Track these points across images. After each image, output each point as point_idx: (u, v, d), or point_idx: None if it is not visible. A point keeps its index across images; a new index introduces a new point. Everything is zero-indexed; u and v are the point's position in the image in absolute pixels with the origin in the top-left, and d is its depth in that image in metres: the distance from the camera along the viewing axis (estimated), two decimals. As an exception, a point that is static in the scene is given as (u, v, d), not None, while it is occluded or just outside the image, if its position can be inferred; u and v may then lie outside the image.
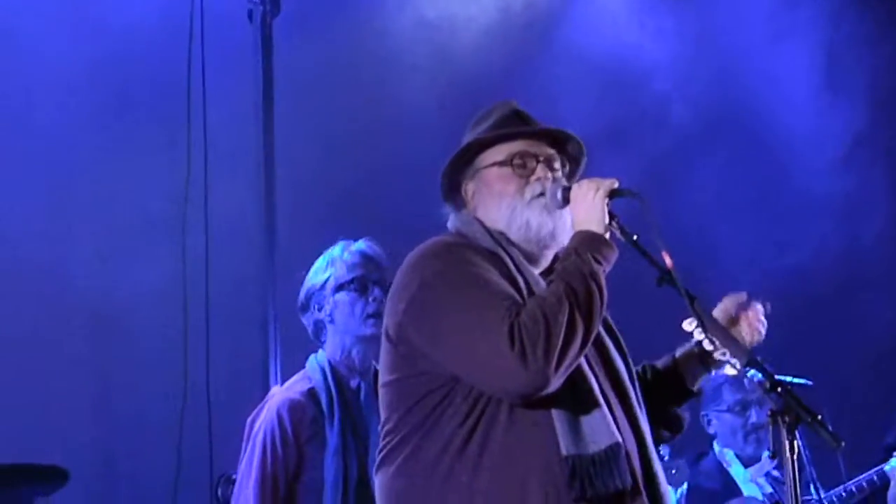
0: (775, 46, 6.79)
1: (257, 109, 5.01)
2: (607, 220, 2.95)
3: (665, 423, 3.13)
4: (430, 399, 2.87)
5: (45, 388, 5.15)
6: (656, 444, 3.04)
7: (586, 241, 2.91)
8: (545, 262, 3.07)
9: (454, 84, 5.98)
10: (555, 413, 2.81)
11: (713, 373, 3.19)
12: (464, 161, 3.11)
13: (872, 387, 6.23)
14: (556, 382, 2.77)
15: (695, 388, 3.22)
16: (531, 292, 2.91)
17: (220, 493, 4.38)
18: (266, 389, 4.61)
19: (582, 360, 2.86)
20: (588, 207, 2.95)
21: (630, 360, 3.09)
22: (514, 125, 3.11)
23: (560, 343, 2.75)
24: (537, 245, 3.03)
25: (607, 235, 2.95)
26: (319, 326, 4.01)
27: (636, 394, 3.02)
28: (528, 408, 2.81)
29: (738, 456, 5.14)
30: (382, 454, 2.95)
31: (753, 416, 5.06)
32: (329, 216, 5.55)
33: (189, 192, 5.26)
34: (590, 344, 2.85)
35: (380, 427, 2.99)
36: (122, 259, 5.35)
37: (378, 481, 2.97)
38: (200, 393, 5.00)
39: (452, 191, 3.13)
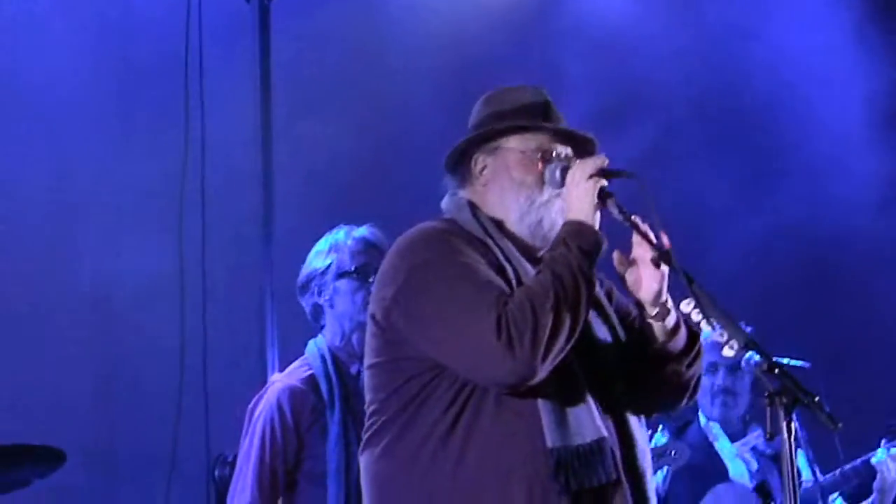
0: (793, 21, 6.66)
1: (255, 92, 5.00)
2: (599, 204, 2.92)
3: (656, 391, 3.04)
4: (415, 383, 2.87)
5: (44, 370, 5.19)
6: (649, 415, 3.04)
7: (575, 232, 2.89)
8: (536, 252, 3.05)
9: (458, 61, 5.91)
10: (541, 404, 2.82)
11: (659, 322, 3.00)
12: (487, 136, 3.06)
13: (885, 371, 6.18)
14: (542, 373, 2.77)
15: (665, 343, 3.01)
16: (520, 282, 2.90)
17: (216, 473, 4.39)
18: (263, 372, 4.62)
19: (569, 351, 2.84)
20: (580, 195, 2.92)
21: (624, 346, 3.04)
22: (543, 116, 3.06)
23: (547, 334, 2.75)
24: (540, 242, 3.01)
25: (596, 224, 2.92)
26: (318, 310, 4.00)
27: (624, 382, 2.99)
28: (514, 398, 2.81)
29: (724, 429, 5.13)
30: (367, 436, 2.95)
31: (720, 379, 5.06)
32: (327, 201, 5.55)
33: (186, 178, 5.27)
34: (577, 335, 2.83)
35: (365, 408, 2.99)
36: (120, 244, 5.38)
37: (362, 462, 2.97)
38: (197, 375, 5.02)
39: (461, 159, 3.09)
